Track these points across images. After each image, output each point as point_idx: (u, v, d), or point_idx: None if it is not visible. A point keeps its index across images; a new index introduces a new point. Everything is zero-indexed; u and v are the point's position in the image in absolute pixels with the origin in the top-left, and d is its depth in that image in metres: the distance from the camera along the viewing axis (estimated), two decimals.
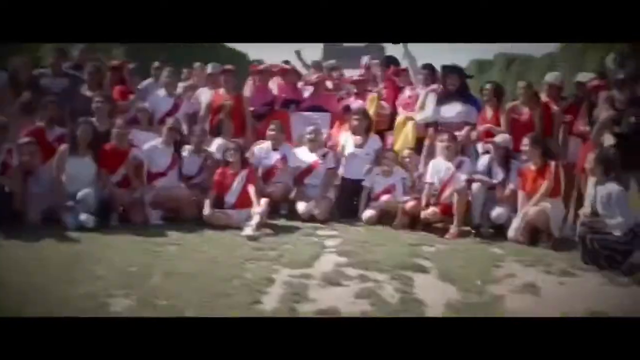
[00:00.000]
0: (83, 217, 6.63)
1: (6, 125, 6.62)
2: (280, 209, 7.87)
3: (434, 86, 8.14)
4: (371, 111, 8.09)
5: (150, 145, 7.46)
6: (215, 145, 7.83)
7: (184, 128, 8.12)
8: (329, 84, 9.14)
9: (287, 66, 9.03)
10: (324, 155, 7.90)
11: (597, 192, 6.22)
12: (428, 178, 7.41)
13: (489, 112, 7.79)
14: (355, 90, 8.72)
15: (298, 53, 10.13)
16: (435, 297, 4.97)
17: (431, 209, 7.31)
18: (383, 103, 8.42)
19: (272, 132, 7.86)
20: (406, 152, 7.78)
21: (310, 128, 7.92)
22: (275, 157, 7.87)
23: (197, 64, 9.59)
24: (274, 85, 8.94)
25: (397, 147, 8.06)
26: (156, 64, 9.19)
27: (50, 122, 7.15)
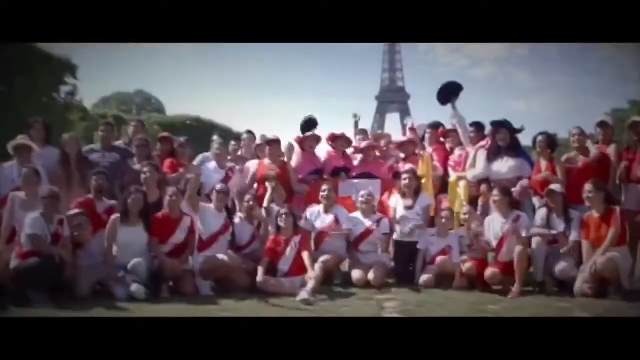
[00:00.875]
0: (133, 288, 6.52)
1: (58, 196, 6.64)
2: (335, 278, 7.69)
3: (483, 142, 8.04)
4: (424, 170, 7.95)
5: (202, 207, 7.41)
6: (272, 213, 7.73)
7: (236, 202, 8.06)
8: (377, 152, 9.05)
9: (337, 133, 8.96)
10: (377, 221, 7.72)
11: None
12: (485, 236, 7.20)
13: (543, 163, 7.67)
14: (402, 156, 8.60)
15: (356, 119, 10.08)
16: None
17: (490, 270, 7.08)
18: (435, 163, 8.30)
19: (325, 193, 7.76)
20: (465, 208, 7.57)
21: (364, 192, 7.79)
22: (328, 219, 7.77)
23: (245, 135, 9.63)
24: (323, 152, 8.95)
25: (453, 208, 7.85)
26: (214, 137, 9.32)
27: (99, 193, 7.16)
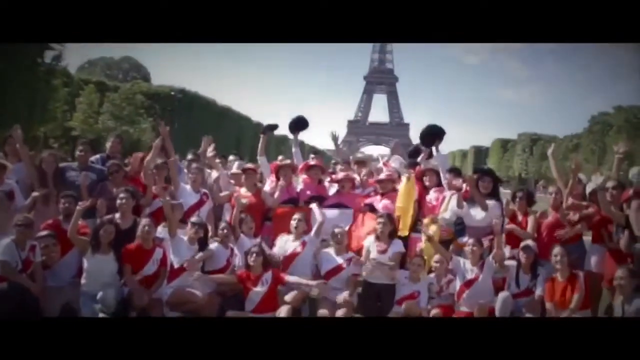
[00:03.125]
0: (101, 315, 6.58)
1: (32, 224, 6.66)
2: (302, 312, 7.75)
3: (458, 185, 8.21)
4: (406, 192, 8.02)
5: (175, 238, 7.44)
6: (240, 246, 7.78)
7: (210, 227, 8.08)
8: (357, 179, 9.10)
9: (312, 162, 9.02)
10: (349, 260, 7.78)
11: (624, 310, 6.13)
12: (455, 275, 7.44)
13: (518, 216, 7.90)
14: (381, 191, 8.66)
15: (334, 138, 10.10)
16: None
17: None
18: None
19: (294, 223, 7.83)
20: (436, 257, 7.65)
21: (337, 230, 7.84)
22: (297, 246, 7.86)
23: (230, 157, 9.63)
24: (298, 181, 8.98)
25: (424, 250, 7.93)
26: (190, 156, 9.30)
27: (67, 216, 7.15)
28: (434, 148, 8.82)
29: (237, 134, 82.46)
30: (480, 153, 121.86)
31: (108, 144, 9.11)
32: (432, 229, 7.80)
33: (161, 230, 7.55)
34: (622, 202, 7.29)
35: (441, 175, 8.51)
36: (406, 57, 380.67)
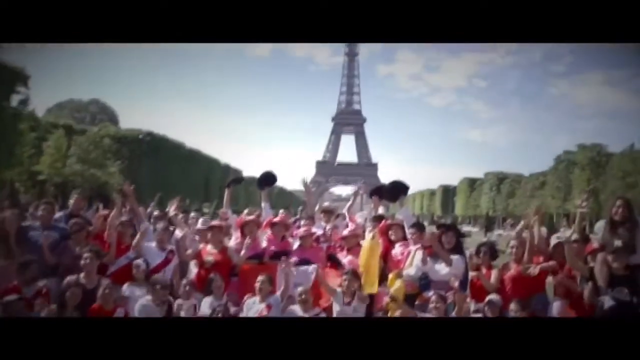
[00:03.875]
0: None
1: None
2: None
3: (420, 244, 8.21)
4: (368, 250, 8.00)
5: (140, 304, 7.32)
6: (206, 304, 7.71)
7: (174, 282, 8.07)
8: (318, 233, 9.15)
9: (275, 219, 9.08)
10: (317, 315, 7.75)
11: None
12: None
13: (482, 269, 7.98)
14: (346, 246, 8.69)
15: (305, 183, 10.24)
16: None
17: None
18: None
19: (258, 285, 7.77)
20: (398, 312, 7.67)
21: (300, 289, 7.81)
22: (262, 308, 7.74)
23: (192, 214, 9.66)
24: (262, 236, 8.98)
25: (389, 306, 7.93)
26: (155, 212, 9.25)
27: (26, 282, 6.98)
28: (398, 203, 8.92)
29: (206, 175, 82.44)
30: (448, 192, 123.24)
31: (71, 201, 9.02)
32: (397, 285, 7.83)
33: (126, 289, 7.48)
34: (586, 254, 7.49)
35: (406, 229, 8.58)
36: (373, 98, 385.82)
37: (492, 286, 7.72)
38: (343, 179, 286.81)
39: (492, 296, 7.48)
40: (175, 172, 69.86)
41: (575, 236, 7.63)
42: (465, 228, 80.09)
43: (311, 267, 8.42)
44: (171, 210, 9.14)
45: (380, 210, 10.00)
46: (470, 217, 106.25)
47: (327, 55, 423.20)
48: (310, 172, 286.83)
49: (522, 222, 8.62)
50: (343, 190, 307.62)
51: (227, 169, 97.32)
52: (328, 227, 9.26)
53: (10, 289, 6.91)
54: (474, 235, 56.56)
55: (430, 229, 9.01)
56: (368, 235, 8.19)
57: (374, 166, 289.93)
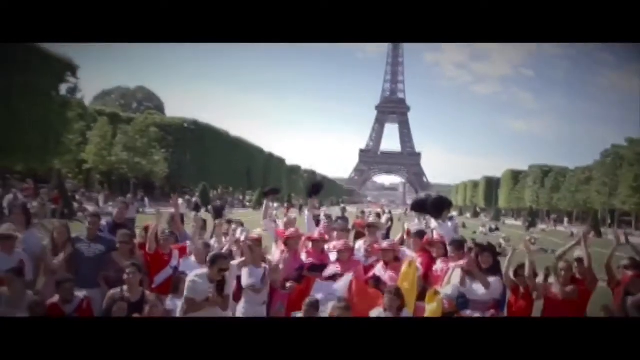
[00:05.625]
0: None
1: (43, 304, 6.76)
2: None
3: (461, 262, 8.15)
4: (408, 276, 8.04)
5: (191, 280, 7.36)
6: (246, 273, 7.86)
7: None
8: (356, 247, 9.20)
9: (315, 236, 9.17)
10: None
11: None
12: None
13: (521, 290, 7.82)
14: (385, 259, 8.72)
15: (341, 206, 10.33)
16: None
17: None
18: (418, 265, 8.41)
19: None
20: None
21: (341, 304, 7.76)
22: None
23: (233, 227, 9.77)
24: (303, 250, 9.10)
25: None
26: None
27: (64, 301, 7.11)
28: (440, 220, 8.98)
29: (249, 164, 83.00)
30: (491, 183, 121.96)
31: (115, 210, 9.22)
32: (433, 306, 7.86)
33: (169, 302, 7.63)
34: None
35: (447, 243, 8.63)
36: (418, 87, 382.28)
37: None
38: (386, 168, 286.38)
39: None
40: (219, 161, 70.56)
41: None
42: (508, 221, 79.45)
43: (346, 280, 8.40)
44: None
45: (420, 224, 10.02)
46: (513, 210, 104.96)
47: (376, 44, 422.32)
48: (353, 161, 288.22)
49: (568, 244, 8.37)
50: (386, 179, 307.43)
51: (269, 157, 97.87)
52: (368, 242, 9.27)
53: (50, 309, 7.05)
54: (516, 229, 56.04)
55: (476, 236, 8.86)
56: (405, 263, 8.20)
57: (418, 155, 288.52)
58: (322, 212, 13.67)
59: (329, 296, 8.03)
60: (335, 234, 9.66)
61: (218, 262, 6.81)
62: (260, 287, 7.86)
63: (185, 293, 6.82)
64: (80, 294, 7.30)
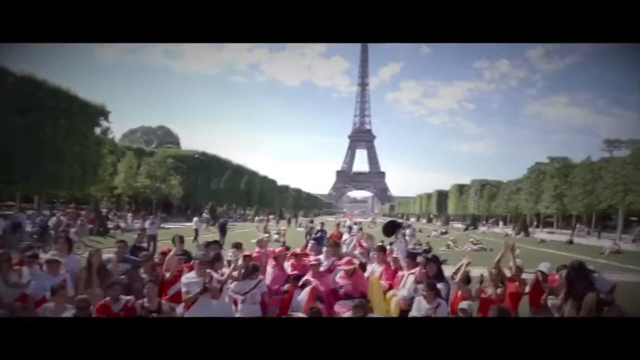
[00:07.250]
0: None
1: (89, 304, 6.71)
2: None
3: (413, 270, 8.25)
4: (375, 293, 8.16)
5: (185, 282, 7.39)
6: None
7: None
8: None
9: (298, 251, 9.24)
10: None
11: None
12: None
13: (459, 292, 7.85)
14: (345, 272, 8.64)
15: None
16: None
17: None
18: (382, 282, 8.51)
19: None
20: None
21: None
22: None
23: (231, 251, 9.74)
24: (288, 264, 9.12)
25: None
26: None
27: (114, 299, 7.19)
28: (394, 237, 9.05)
29: (248, 186, 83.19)
30: (442, 195, 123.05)
31: (135, 236, 9.35)
32: (392, 305, 7.98)
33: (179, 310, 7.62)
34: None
35: (400, 259, 8.73)
36: (382, 119, 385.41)
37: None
38: (358, 185, 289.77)
39: (464, 304, 7.41)
40: (224, 183, 70.90)
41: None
42: (455, 225, 79.65)
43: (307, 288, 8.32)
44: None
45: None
46: (459, 215, 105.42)
47: (347, 84, 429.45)
48: (331, 180, 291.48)
49: (499, 255, 8.34)
50: (358, 194, 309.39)
51: (264, 179, 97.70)
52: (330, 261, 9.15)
53: (101, 307, 7.04)
54: (460, 232, 56.22)
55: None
56: (372, 276, 8.39)
57: (382, 174, 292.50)
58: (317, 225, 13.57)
59: (301, 302, 8.13)
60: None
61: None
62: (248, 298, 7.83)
63: (182, 289, 7.25)
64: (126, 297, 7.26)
